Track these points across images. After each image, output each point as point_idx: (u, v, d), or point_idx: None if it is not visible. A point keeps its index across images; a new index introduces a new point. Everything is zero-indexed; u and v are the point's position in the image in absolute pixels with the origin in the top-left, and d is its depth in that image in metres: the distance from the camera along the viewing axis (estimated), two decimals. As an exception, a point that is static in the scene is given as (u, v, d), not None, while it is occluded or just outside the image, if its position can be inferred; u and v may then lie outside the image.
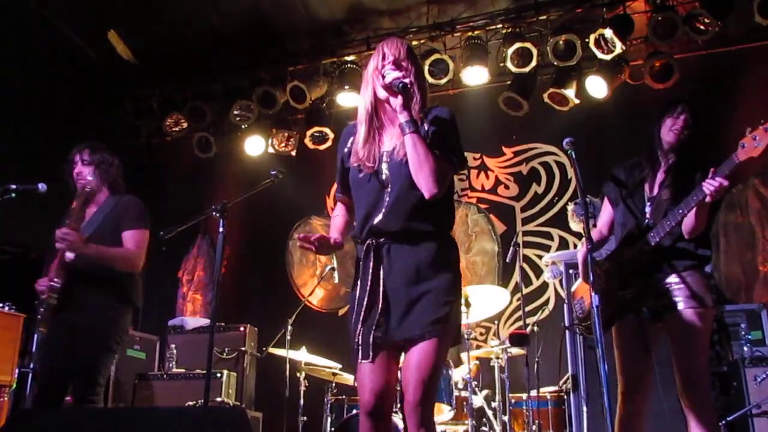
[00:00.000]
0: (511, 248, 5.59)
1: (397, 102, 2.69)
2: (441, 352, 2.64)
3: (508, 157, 7.40)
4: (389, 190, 2.72)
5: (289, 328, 5.61)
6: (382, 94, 2.74)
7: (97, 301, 3.91)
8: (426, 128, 2.76)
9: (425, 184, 2.63)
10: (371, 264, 2.70)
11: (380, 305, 2.67)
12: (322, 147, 7.68)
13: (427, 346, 2.61)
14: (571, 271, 5.31)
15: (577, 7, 6.56)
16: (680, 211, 3.30)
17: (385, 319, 2.67)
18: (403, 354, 2.71)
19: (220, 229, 3.45)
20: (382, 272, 2.69)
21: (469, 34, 6.91)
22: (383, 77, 2.72)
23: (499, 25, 6.87)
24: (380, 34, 7.16)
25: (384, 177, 2.74)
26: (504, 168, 7.41)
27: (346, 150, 2.92)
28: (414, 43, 6.96)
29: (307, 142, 7.64)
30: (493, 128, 7.31)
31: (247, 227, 8.01)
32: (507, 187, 7.36)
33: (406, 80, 2.70)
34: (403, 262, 2.68)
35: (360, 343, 2.68)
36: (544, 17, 6.73)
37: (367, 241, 2.75)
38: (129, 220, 4.08)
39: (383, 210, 2.72)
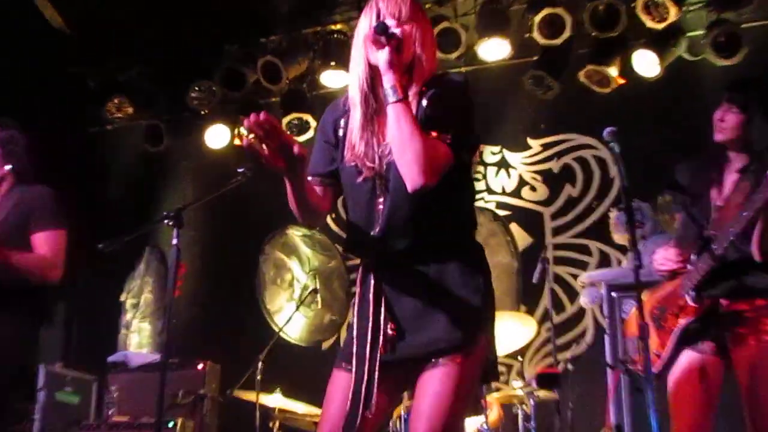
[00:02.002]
0: (539, 265, 5.59)
1: (381, 57, 2.57)
2: (466, 384, 2.57)
3: (535, 151, 7.41)
4: (387, 194, 2.66)
5: (260, 365, 5.59)
6: (376, 59, 2.62)
7: (4, 321, 3.86)
8: (424, 103, 2.66)
9: (407, 172, 2.50)
10: (371, 287, 2.67)
11: (386, 334, 2.63)
12: (302, 138, 7.67)
13: (445, 373, 2.54)
14: (614, 294, 5.30)
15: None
16: (744, 214, 3.30)
17: (391, 344, 2.62)
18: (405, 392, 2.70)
19: (174, 241, 3.43)
20: (383, 296, 2.65)
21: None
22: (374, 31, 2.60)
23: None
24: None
25: (389, 181, 2.66)
26: (530, 165, 7.41)
27: (331, 128, 2.83)
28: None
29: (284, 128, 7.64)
30: (516, 115, 7.31)
31: (208, 239, 8.00)
32: (534, 189, 7.36)
33: (393, 26, 2.60)
34: (412, 282, 2.64)
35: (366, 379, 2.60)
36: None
37: (365, 261, 2.72)
38: (41, 217, 4.00)
39: (381, 219, 2.67)
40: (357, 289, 2.73)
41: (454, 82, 2.73)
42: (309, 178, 2.78)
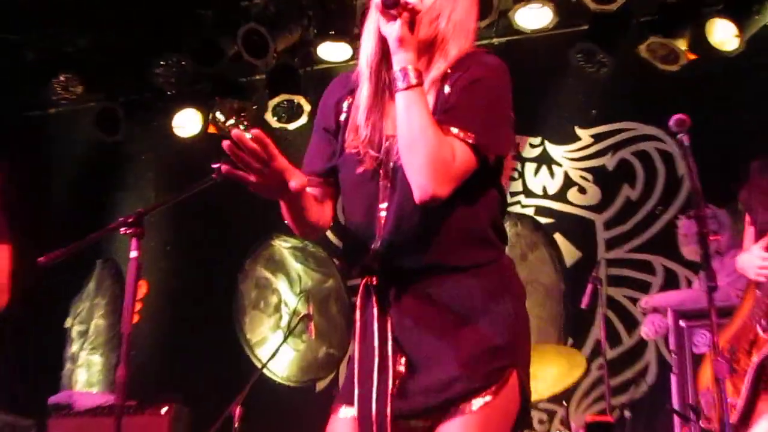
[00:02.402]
0: (589, 286, 5.57)
1: (391, 32, 2.56)
2: None
3: (585, 144, 7.42)
4: (392, 199, 2.66)
5: (239, 410, 5.59)
6: (387, 32, 2.61)
7: None
8: (446, 90, 2.65)
9: (415, 178, 2.50)
10: (375, 313, 2.67)
11: (396, 371, 2.63)
12: (293, 126, 7.68)
13: (466, 425, 2.53)
14: (683, 323, 5.30)
15: None
16: None
17: (401, 385, 2.61)
18: None
19: (133, 254, 3.42)
20: (390, 325, 2.65)
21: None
22: None
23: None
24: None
25: (395, 182, 2.66)
26: (578, 161, 7.42)
27: (333, 111, 2.85)
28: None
29: (270, 117, 7.67)
30: (561, 98, 7.32)
31: (175, 251, 8.04)
32: (583, 191, 7.37)
33: None
34: (423, 308, 2.64)
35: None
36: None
37: (364, 279, 2.71)
38: None
39: (384, 230, 2.67)
40: (357, 316, 2.73)
41: (489, 66, 2.71)
42: (305, 171, 2.78)
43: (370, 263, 2.68)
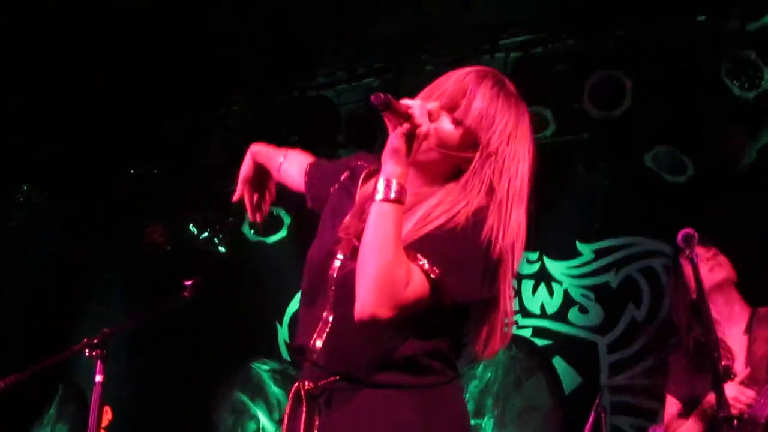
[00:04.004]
0: (592, 415, 5.53)
1: (390, 139, 2.59)
2: None
3: (587, 259, 7.46)
4: (335, 306, 2.71)
5: None
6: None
7: None
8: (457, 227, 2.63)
9: (359, 294, 2.53)
10: (301, 421, 2.69)
11: None
12: (272, 239, 7.73)
13: None
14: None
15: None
16: None
17: None
18: None
19: (97, 378, 3.47)
20: None
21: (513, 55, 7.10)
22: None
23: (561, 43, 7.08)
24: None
25: (344, 288, 2.68)
26: (579, 278, 7.44)
27: (351, 174, 2.97)
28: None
29: (247, 230, 7.72)
30: (560, 210, 7.32)
31: (143, 375, 8.00)
32: (584, 310, 7.37)
33: (424, 114, 2.59)
34: (351, 422, 2.64)
35: None
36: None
37: (296, 384, 2.74)
38: None
39: (321, 334, 2.72)
40: (285, 421, 2.76)
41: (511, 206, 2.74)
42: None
43: (310, 360, 2.73)
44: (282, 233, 7.71)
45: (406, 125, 2.56)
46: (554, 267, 7.51)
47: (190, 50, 7.37)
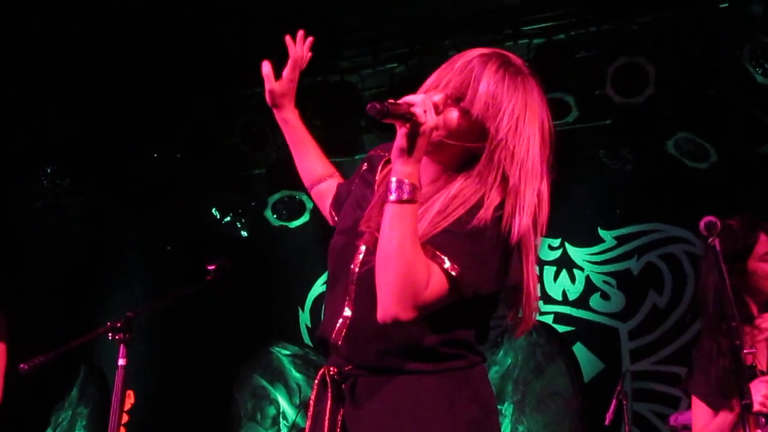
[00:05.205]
0: (613, 401, 5.52)
1: (396, 139, 2.58)
2: None
3: (608, 246, 7.44)
4: (355, 300, 2.74)
5: None
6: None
7: None
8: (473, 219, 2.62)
9: (380, 296, 2.55)
10: (328, 405, 2.72)
11: None
12: (294, 224, 7.71)
13: None
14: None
15: None
16: None
17: None
18: None
19: (120, 361, 3.44)
20: (341, 418, 2.70)
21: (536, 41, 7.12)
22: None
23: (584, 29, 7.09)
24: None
25: (364, 283, 2.72)
26: (601, 264, 7.43)
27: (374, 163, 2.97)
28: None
29: (269, 215, 7.72)
30: (582, 197, 7.35)
31: (166, 358, 8.03)
32: (606, 297, 7.37)
33: (431, 105, 2.57)
34: (377, 407, 2.68)
35: None
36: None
37: (323, 369, 2.77)
38: None
39: (342, 327, 2.75)
40: (311, 406, 2.79)
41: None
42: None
43: (330, 352, 2.77)
44: (305, 218, 7.66)
45: (409, 125, 2.53)
46: (576, 253, 7.51)
47: (213, 32, 7.35)
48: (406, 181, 2.54)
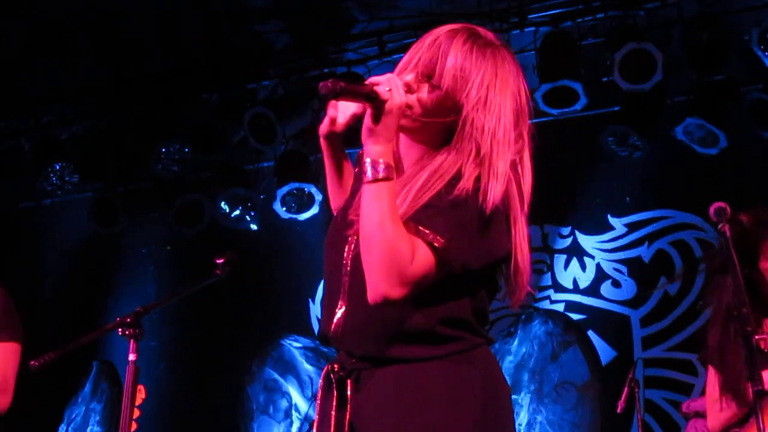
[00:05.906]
0: (625, 389, 5.53)
1: (365, 124, 2.60)
2: None
3: (619, 233, 7.43)
4: (349, 277, 2.74)
5: None
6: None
7: None
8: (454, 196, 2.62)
9: (368, 276, 2.55)
10: (333, 403, 2.72)
11: None
12: (303, 216, 7.72)
13: None
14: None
15: None
16: None
17: None
18: None
19: (131, 357, 3.44)
20: (348, 414, 2.69)
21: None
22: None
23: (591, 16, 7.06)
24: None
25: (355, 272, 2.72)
26: (611, 252, 7.43)
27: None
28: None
29: (279, 207, 7.71)
30: (591, 185, 7.36)
31: (177, 353, 8.05)
32: (617, 284, 7.36)
33: (402, 83, 2.62)
34: (383, 399, 2.67)
35: None
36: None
37: (326, 366, 2.77)
38: None
39: (338, 318, 2.74)
40: (318, 403, 2.79)
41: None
42: None
43: (335, 344, 2.76)
44: (314, 210, 7.65)
45: (373, 104, 2.56)
46: (586, 241, 7.49)
47: (221, 25, 7.35)
48: (380, 160, 2.55)
